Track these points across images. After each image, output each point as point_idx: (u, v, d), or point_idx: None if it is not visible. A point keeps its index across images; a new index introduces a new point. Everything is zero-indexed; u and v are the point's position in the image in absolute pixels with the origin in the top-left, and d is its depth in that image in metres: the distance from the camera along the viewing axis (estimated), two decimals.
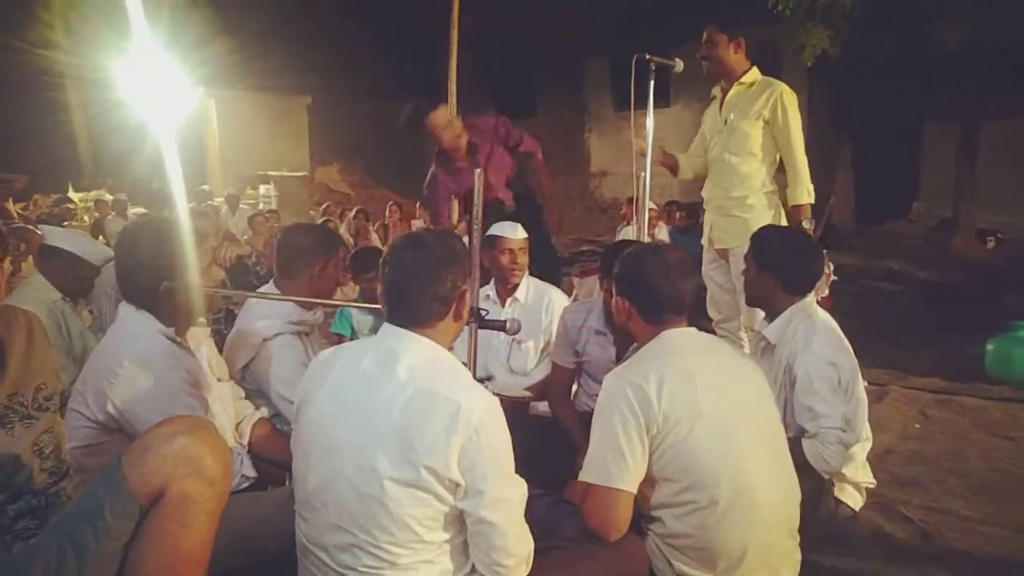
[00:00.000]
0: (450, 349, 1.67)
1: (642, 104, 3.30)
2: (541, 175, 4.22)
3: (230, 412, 2.27)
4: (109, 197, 11.65)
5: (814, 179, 3.36)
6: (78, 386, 1.92)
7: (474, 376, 1.85)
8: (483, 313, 1.99)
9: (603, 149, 16.10)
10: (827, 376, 2.25)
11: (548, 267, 3.86)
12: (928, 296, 7.77)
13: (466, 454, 1.45)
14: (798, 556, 1.86)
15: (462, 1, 8.71)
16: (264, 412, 2.40)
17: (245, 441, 2.29)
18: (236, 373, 2.43)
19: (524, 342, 3.23)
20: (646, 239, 3.57)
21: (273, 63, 13.00)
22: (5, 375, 1.53)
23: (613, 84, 15.40)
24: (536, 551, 1.60)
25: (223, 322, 3.73)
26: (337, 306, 3.65)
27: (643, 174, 3.40)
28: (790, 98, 3.34)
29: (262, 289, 2.61)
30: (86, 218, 11.34)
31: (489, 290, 3.33)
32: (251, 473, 2.15)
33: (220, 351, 2.43)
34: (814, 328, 2.35)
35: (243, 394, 2.42)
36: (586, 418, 2.06)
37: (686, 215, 7.95)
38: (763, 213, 3.39)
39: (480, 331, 2.05)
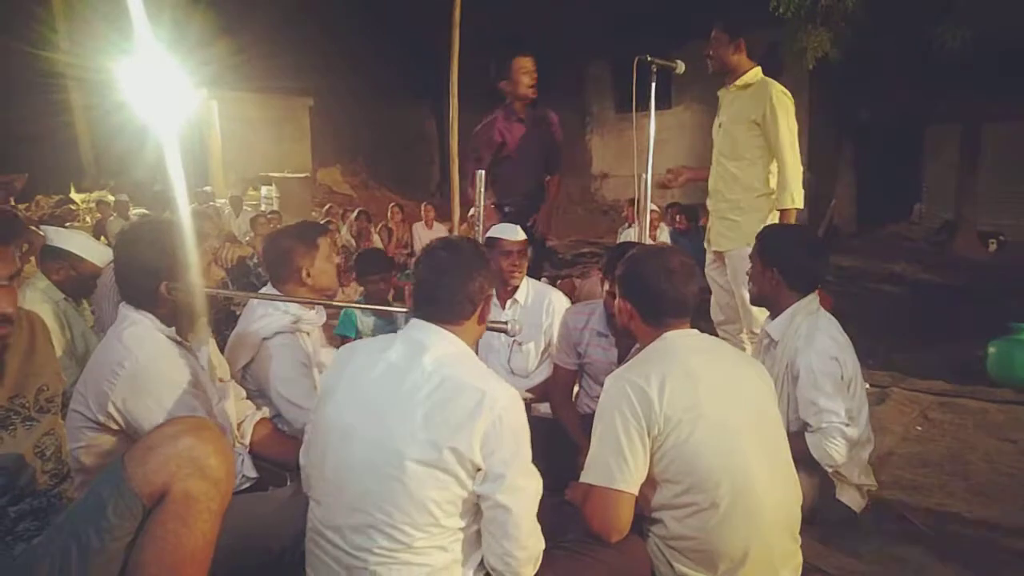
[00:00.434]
0: None
1: (644, 106, 3.30)
2: (553, 190, 4.25)
3: (232, 412, 2.27)
4: (111, 198, 11.65)
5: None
6: (79, 387, 1.92)
7: None
8: None
9: (604, 151, 16.07)
10: (830, 371, 2.27)
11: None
12: (930, 298, 7.76)
13: (489, 439, 1.49)
14: (799, 558, 1.86)
15: (463, 3, 8.71)
16: (265, 412, 2.40)
17: (246, 441, 2.29)
18: (237, 373, 2.43)
19: (524, 344, 3.23)
20: (648, 241, 3.57)
21: (275, 64, 13.00)
22: (6, 376, 1.53)
23: (614, 86, 15.35)
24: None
25: (224, 323, 3.73)
26: (340, 308, 3.65)
27: (644, 175, 3.40)
28: (782, 100, 3.31)
29: (263, 290, 2.61)
30: (88, 219, 11.36)
31: None
32: (252, 473, 2.15)
33: (222, 352, 2.44)
34: (817, 325, 2.36)
35: (244, 394, 2.42)
36: (587, 420, 2.06)
37: (685, 217, 7.98)
38: (756, 216, 3.36)
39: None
